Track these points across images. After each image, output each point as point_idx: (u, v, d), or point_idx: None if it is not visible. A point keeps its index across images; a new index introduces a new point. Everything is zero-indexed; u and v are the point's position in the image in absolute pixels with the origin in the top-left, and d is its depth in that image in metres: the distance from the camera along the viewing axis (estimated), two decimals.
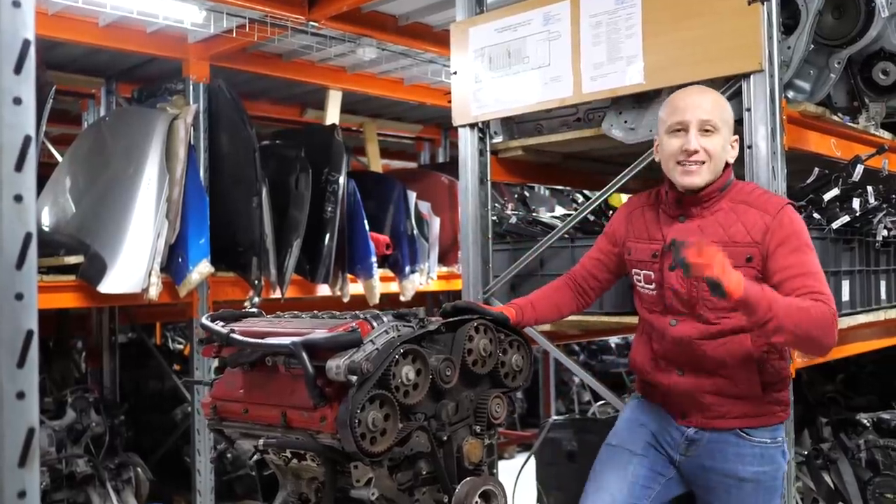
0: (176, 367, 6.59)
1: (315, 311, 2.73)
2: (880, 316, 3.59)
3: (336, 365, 2.25)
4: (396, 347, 2.32)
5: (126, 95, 5.88)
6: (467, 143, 3.85)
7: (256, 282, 4.92)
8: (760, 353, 2.48)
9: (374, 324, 2.41)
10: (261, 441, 2.41)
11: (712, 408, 2.53)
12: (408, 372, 2.34)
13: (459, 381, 2.49)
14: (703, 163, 2.47)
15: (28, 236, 1.29)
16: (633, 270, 2.69)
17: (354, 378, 2.23)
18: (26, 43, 1.30)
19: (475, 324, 2.56)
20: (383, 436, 2.29)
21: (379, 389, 2.28)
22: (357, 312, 2.56)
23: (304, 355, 2.27)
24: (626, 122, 3.43)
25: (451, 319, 2.56)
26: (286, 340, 2.33)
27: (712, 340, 2.49)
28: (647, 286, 2.63)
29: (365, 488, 2.36)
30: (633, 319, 3.41)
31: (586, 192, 4.91)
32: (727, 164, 2.55)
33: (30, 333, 1.29)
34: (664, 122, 2.57)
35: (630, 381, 7.90)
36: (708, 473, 2.57)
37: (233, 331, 2.53)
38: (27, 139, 1.30)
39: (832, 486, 3.78)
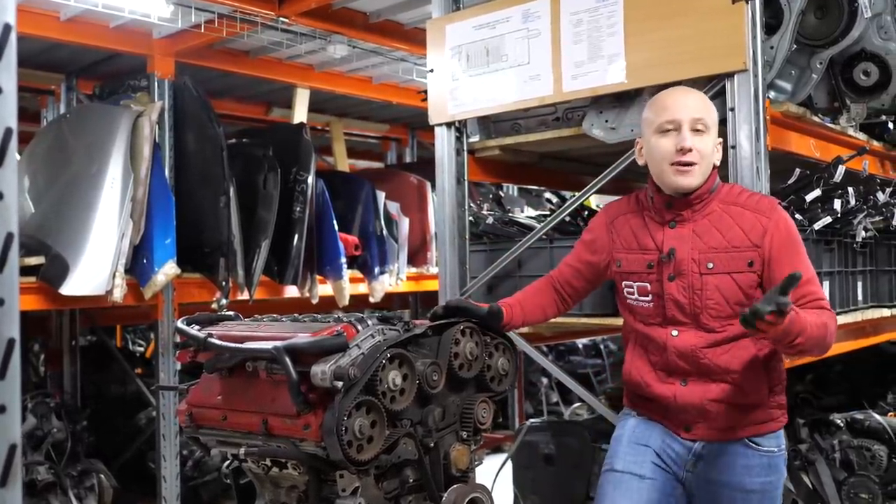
0: (138, 370, 6.43)
1: (295, 315, 2.64)
2: (858, 317, 3.60)
3: (321, 370, 2.17)
4: (383, 352, 2.25)
5: (87, 92, 5.73)
6: (444, 143, 3.79)
7: (224, 283, 4.81)
8: (765, 356, 2.42)
9: (359, 327, 2.34)
10: (242, 450, 2.32)
11: (719, 418, 2.43)
12: (395, 377, 2.27)
13: (445, 385, 2.43)
14: (696, 163, 2.39)
15: (9, 237, 1.19)
16: (624, 283, 2.55)
17: (340, 384, 2.16)
18: (7, 28, 1.21)
19: (461, 327, 2.50)
20: (370, 443, 2.22)
21: (365, 395, 2.20)
22: (341, 315, 2.48)
23: (288, 360, 2.19)
24: (606, 121, 3.40)
25: (436, 323, 2.49)
26: (268, 345, 2.25)
27: (717, 348, 2.41)
28: (641, 298, 2.51)
29: (351, 497, 2.28)
30: (613, 321, 3.39)
31: (561, 192, 4.89)
32: (714, 169, 2.48)
33: (11, 342, 1.20)
34: (652, 123, 2.46)
35: (598, 381, 7.90)
36: (713, 486, 2.48)
37: (210, 334, 2.43)
38: (8, 132, 1.21)
39: (811, 486, 3.79)
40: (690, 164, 2.38)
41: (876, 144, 3.84)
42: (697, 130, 2.40)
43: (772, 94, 3.17)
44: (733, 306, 2.36)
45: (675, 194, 2.45)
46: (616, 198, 2.83)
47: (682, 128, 2.39)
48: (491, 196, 5.89)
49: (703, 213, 2.43)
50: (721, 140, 2.52)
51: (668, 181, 2.44)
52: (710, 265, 2.38)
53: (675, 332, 2.45)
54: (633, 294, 2.54)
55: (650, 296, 2.49)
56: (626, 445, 2.58)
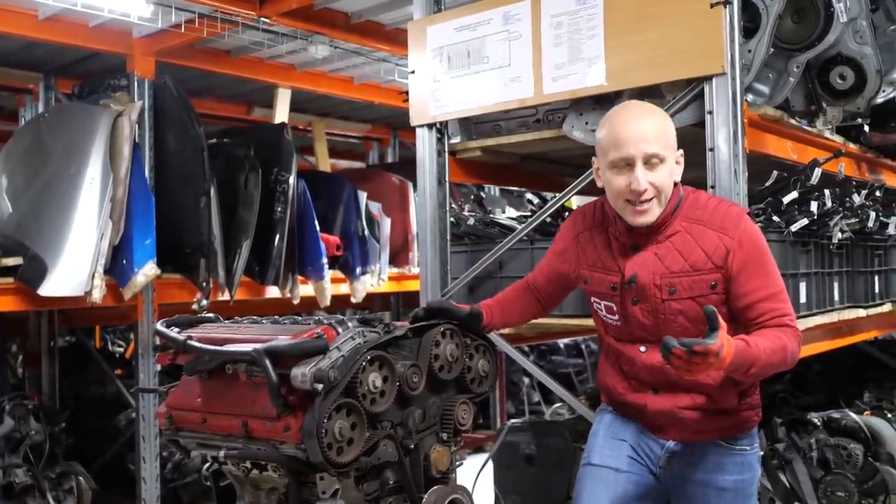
0: (117, 371, 6.38)
1: (276, 317, 2.64)
2: (834, 317, 3.64)
3: (301, 373, 2.18)
4: (363, 354, 2.25)
5: (66, 91, 5.68)
6: (425, 144, 3.79)
7: (204, 284, 4.79)
8: None
9: (340, 329, 2.35)
10: (222, 452, 2.32)
11: (692, 423, 2.43)
12: (374, 379, 2.28)
13: (426, 387, 2.44)
14: (653, 199, 2.32)
15: None
16: (593, 299, 2.54)
17: (320, 386, 2.16)
18: None
19: (442, 329, 2.51)
20: (350, 445, 2.23)
21: (346, 398, 2.21)
22: (321, 317, 2.48)
23: (268, 363, 2.19)
24: (586, 123, 3.41)
25: (417, 324, 2.50)
26: (248, 347, 2.25)
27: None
28: (609, 316, 2.50)
29: (331, 499, 2.29)
30: (593, 322, 3.40)
31: (542, 192, 4.90)
32: (676, 186, 2.39)
33: None
34: (606, 154, 2.36)
35: (579, 381, 7.93)
36: (687, 483, 2.49)
37: (190, 337, 2.43)
38: None
39: (788, 485, 3.82)
40: (646, 202, 2.32)
41: (852, 147, 3.89)
42: (653, 164, 2.30)
43: (750, 97, 3.20)
44: (699, 327, 2.24)
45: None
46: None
47: (635, 164, 2.29)
48: (472, 197, 5.90)
49: (666, 236, 2.38)
50: (681, 152, 2.41)
51: (626, 218, 2.38)
52: (672, 290, 2.34)
53: (643, 349, 2.43)
54: (601, 311, 2.52)
55: (617, 315, 2.47)
56: (603, 440, 2.58)
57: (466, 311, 2.59)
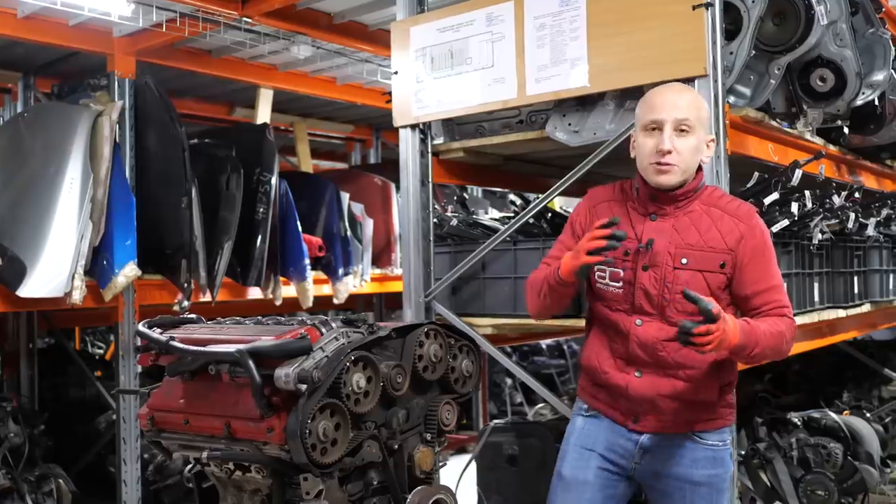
0: (97, 372, 6.33)
1: (259, 317, 2.63)
2: (815, 318, 3.67)
3: (285, 373, 2.17)
4: (347, 354, 2.25)
5: (46, 90, 5.64)
6: (408, 145, 3.79)
7: (186, 285, 4.76)
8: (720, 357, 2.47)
9: (323, 330, 2.34)
10: (204, 454, 2.31)
11: (669, 412, 2.50)
12: (358, 380, 2.28)
13: (410, 387, 2.44)
14: (675, 164, 2.43)
15: None
16: (597, 267, 2.55)
17: (304, 387, 2.16)
18: None
19: (425, 329, 2.51)
20: (334, 446, 2.23)
21: (330, 398, 2.21)
22: (304, 318, 2.48)
23: (251, 363, 2.18)
24: (569, 124, 3.42)
25: (400, 325, 2.50)
26: (231, 348, 2.24)
27: (676, 342, 2.39)
28: (612, 283, 2.54)
29: (315, 500, 2.28)
30: (575, 323, 3.41)
31: (525, 193, 4.90)
32: (700, 167, 2.53)
33: None
34: (640, 120, 2.53)
35: (561, 381, 7.95)
36: (662, 478, 2.55)
37: (172, 338, 2.42)
38: None
39: (769, 484, 3.85)
40: (670, 164, 2.43)
41: (832, 149, 3.92)
42: (681, 131, 2.44)
43: (731, 98, 3.21)
44: (708, 298, 2.32)
45: (659, 189, 2.50)
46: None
47: (664, 128, 2.44)
48: (455, 197, 5.90)
49: (685, 211, 2.49)
50: (713, 137, 2.57)
51: (649, 178, 2.49)
52: (684, 261, 2.44)
53: (639, 322, 2.49)
54: (604, 279, 2.56)
55: (621, 283, 2.52)
56: (573, 449, 2.65)
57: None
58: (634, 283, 2.50)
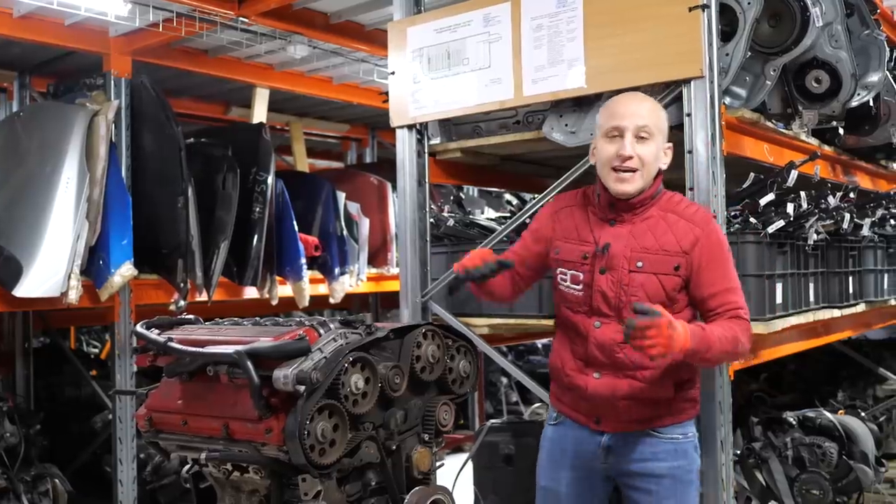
0: (92, 372, 6.32)
1: (257, 318, 2.64)
2: (810, 317, 3.68)
3: (284, 374, 2.18)
4: (345, 356, 2.26)
5: (41, 90, 5.62)
6: (405, 145, 3.79)
7: (182, 285, 4.76)
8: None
9: (321, 331, 2.35)
10: (203, 454, 2.31)
11: (628, 411, 2.58)
12: (357, 381, 2.29)
13: (408, 388, 2.45)
14: (637, 170, 2.53)
15: None
16: (559, 270, 2.69)
17: (303, 388, 2.16)
18: None
19: (423, 330, 2.52)
20: (332, 447, 2.23)
21: (328, 399, 2.21)
22: (303, 319, 2.48)
23: (249, 364, 2.19)
24: (566, 125, 3.43)
25: (398, 326, 2.51)
26: (229, 349, 2.25)
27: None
28: (573, 286, 2.64)
29: (313, 501, 2.29)
30: None
31: (522, 193, 4.91)
32: (659, 172, 2.62)
33: None
34: (601, 127, 2.62)
35: None
36: (629, 475, 2.63)
37: (170, 339, 2.42)
38: None
39: (764, 484, 3.87)
40: (630, 170, 2.53)
41: (827, 149, 3.93)
42: (642, 137, 2.54)
43: (727, 100, 3.22)
44: (655, 305, 2.41)
45: (617, 197, 2.59)
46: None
47: (625, 135, 2.54)
48: (451, 197, 5.91)
49: (642, 217, 2.59)
50: (671, 144, 2.65)
51: (609, 185, 2.58)
52: (640, 264, 2.53)
53: (597, 324, 2.59)
54: (565, 281, 2.67)
55: (581, 285, 2.62)
56: (545, 461, 2.79)
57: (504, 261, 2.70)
58: (592, 286, 2.59)
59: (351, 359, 2.26)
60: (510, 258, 2.79)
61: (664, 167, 2.62)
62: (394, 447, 2.44)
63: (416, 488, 2.45)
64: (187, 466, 2.58)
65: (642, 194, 2.57)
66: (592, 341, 2.58)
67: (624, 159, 2.52)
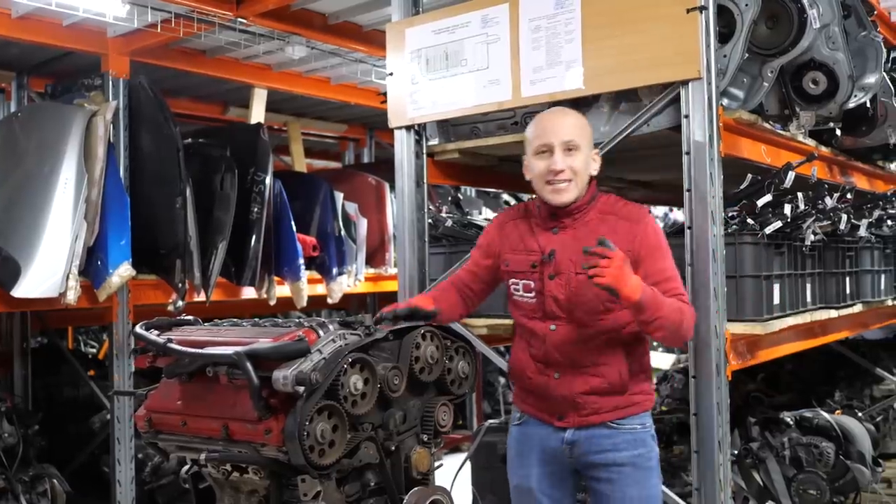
0: (90, 372, 6.32)
1: (256, 319, 2.64)
2: (807, 318, 3.69)
3: (283, 375, 2.18)
4: (345, 357, 2.26)
5: (39, 90, 5.63)
6: (403, 146, 3.80)
7: (180, 285, 4.76)
8: (629, 349, 2.71)
9: (321, 332, 2.35)
10: (203, 455, 2.31)
11: (586, 405, 2.70)
12: (356, 381, 2.29)
13: (406, 389, 2.45)
14: (570, 180, 2.67)
15: None
16: (511, 281, 2.82)
17: (302, 389, 2.17)
18: None
19: (422, 331, 2.52)
20: (332, 447, 2.24)
21: (327, 400, 2.21)
22: (302, 320, 2.48)
23: (249, 365, 2.19)
24: None
25: (397, 327, 2.51)
26: (229, 350, 2.25)
27: (589, 341, 2.68)
28: (526, 294, 2.77)
29: (312, 502, 2.29)
30: None
31: (519, 194, 4.92)
32: (592, 179, 2.75)
33: None
34: (530, 144, 2.76)
35: None
36: (592, 466, 2.73)
37: (170, 340, 2.42)
38: None
39: (761, 484, 3.88)
40: (564, 181, 2.67)
41: (824, 150, 3.95)
42: (569, 150, 2.68)
43: (725, 101, 3.23)
44: (604, 303, 2.64)
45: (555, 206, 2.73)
46: None
47: (554, 150, 2.67)
48: (450, 198, 5.92)
49: (583, 222, 2.73)
50: (597, 152, 2.79)
51: (546, 197, 2.73)
52: (585, 266, 2.58)
53: (553, 327, 2.72)
54: (518, 291, 2.80)
55: (533, 293, 2.76)
56: (514, 461, 2.90)
57: (433, 310, 2.74)
58: (544, 292, 2.72)
59: (350, 360, 2.26)
60: (462, 275, 2.95)
61: (595, 173, 2.75)
62: (393, 448, 2.44)
63: (415, 489, 2.45)
64: (186, 467, 2.59)
65: (578, 201, 2.71)
66: (550, 344, 2.71)
67: (556, 173, 2.66)
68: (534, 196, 2.86)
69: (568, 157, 2.67)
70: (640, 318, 2.54)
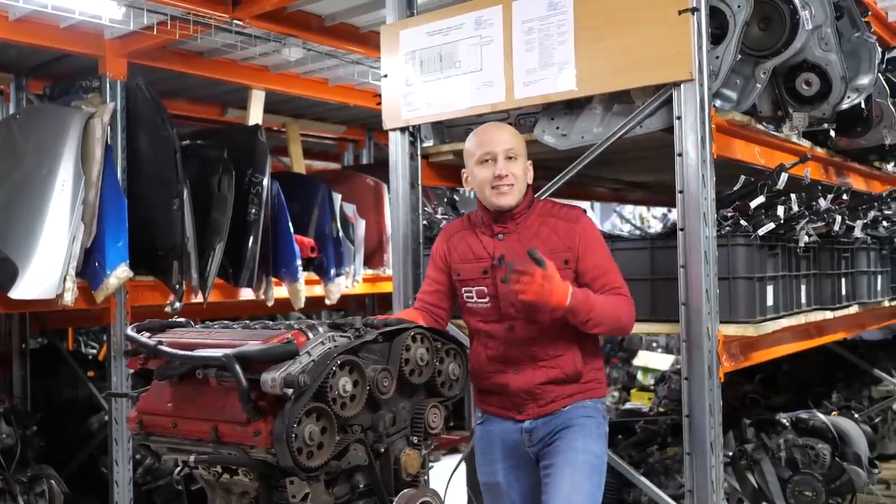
0: (90, 373, 6.33)
1: (247, 321, 2.64)
2: (801, 319, 3.69)
3: (272, 377, 2.19)
4: (333, 359, 2.26)
5: (37, 92, 5.63)
6: (398, 147, 3.81)
7: (177, 286, 4.77)
8: (581, 340, 2.88)
9: (310, 334, 2.36)
10: (192, 457, 2.32)
11: (544, 395, 2.88)
12: (345, 384, 2.29)
13: (396, 391, 2.46)
14: (513, 185, 2.87)
15: None
16: (464, 289, 2.99)
17: (290, 391, 2.17)
18: None
19: (412, 333, 2.52)
20: (320, 449, 2.24)
21: (316, 402, 2.22)
22: (291, 322, 2.49)
23: (238, 368, 2.20)
24: (557, 128, 3.45)
25: (387, 329, 2.52)
26: (218, 352, 2.26)
27: (544, 336, 2.86)
28: (480, 301, 2.94)
29: (301, 503, 2.29)
30: None
31: None
32: (528, 187, 2.95)
33: None
34: (473, 155, 2.94)
35: None
36: (547, 443, 2.89)
37: (160, 342, 2.43)
38: None
39: (756, 485, 3.88)
40: (508, 185, 2.86)
41: (818, 151, 3.95)
42: (510, 158, 2.89)
43: (717, 102, 3.24)
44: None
45: (498, 211, 2.91)
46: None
47: (497, 158, 2.88)
48: (445, 199, 5.91)
49: (525, 226, 2.92)
50: (531, 163, 2.97)
51: (490, 202, 2.91)
52: (505, 279, 2.81)
53: (509, 327, 2.89)
54: (472, 298, 2.97)
55: (487, 298, 2.93)
56: (479, 459, 3.07)
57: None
58: (499, 296, 2.89)
59: (339, 362, 2.27)
60: (424, 297, 3.08)
61: (531, 181, 2.95)
62: (382, 450, 2.44)
63: (405, 491, 2.46)
64: (179, 468, 2.60)
65: (519, 206, 2.90)
66: (508, 343, 2.89)
67: (501, 178, 2.86)
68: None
69: (510, 164, 2.87)
70: (575, 321, 2.72)
